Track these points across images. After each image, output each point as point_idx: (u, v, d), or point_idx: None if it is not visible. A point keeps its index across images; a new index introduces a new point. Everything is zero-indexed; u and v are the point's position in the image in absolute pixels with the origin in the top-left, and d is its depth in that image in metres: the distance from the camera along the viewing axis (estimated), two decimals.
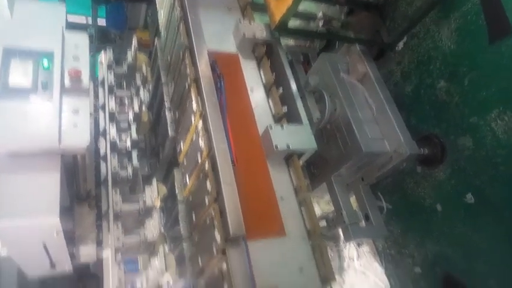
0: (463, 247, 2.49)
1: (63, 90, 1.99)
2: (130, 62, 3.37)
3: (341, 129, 2.57)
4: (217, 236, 1.77)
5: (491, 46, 2.32)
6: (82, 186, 2.32)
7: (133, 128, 2.89)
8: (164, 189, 2.51)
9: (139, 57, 3.31)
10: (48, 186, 1.82)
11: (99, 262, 3.20)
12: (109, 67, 3.20)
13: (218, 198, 1.84)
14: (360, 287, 3.29)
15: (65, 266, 2.31)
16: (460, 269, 2.50)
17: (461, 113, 2.49)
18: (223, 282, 1.74)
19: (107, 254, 2.28)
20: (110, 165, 2.49)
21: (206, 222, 1.95)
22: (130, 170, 2.59)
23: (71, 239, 2.35)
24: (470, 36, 2.44)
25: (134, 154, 2.70)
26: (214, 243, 1.82)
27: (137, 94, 3.15)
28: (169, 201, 2.69)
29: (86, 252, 2.32)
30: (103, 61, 3.24)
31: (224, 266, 1.72)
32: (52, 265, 2.27)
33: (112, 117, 2.80)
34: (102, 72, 3.19)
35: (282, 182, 2.11)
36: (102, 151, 2.65)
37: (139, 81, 3.18)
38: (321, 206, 3.24)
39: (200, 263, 2.04)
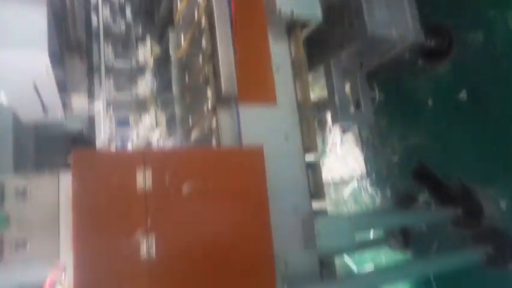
0: (443, 141, 2.59)
1: None
2: None
3: (349, 8, 2.39)
4: (210, 94, 1.78)
5: None
6: (71, 34, 2.22)
7: None
8: (157, 49, 2.43)
9: None
10: (36, 22, 1.72)
11: (91, 126, 3.25)
12: None
13: (213, 56, 1.79)
14: (338, 170, 3.52)
15: (57, 112, 2.36)
16: (434, 160, 2.65)
17: (480, 5, 2.32)
18: (211, 138, 1.81)
19: (99, 106, 2.31)
20: (101, 16, 2.35)
21: (199, 82, 1.95)
22: (122, 25, 2.46)
23: (63, 88, 2.36)
24: None
25: (128, 8, 2.53)
26: (205, 102, 1.84)
27: None
28: (162, 66, 2.64)
29: (78, 103, 2.35)
30: None
31: (214, 123, 1.77)
32: (45, 110, 2.32)
33: None
34: None
35: (280, 52, 2.03)
36: (93, 1, 2.47)
37: None
38: (315, 91, 3.24)
39: (190, 123, 2.10)
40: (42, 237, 1.49)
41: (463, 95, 2.43)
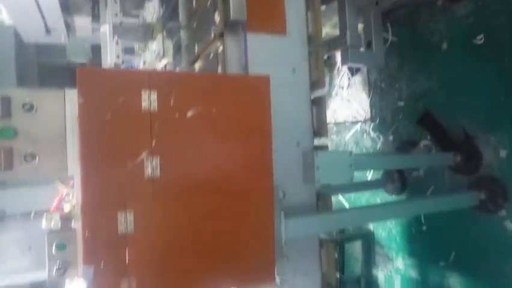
0: (453, 87, 2.54)
1: None
2: None
3: None
4: (217, 19, 1.72)
5: None
6: None
7: None
8: None
9: None
10: None
11: (95, 56, 3.14)
12: None
13: None
14: (342, 112, 3.51)
15: (60, 35, 2.29)
16: (441, 106, 2.62)
17: None
18: (217, 67, 1.78)
19: (105, 29, 2.24)
20: None
21: (206, 7, 1.87)
22: None
23: (66, 9, 2.26)
24: None
25: None
26: (213, 27, 1.78)
27: None
28: None
29: (82, 24, 2.27)
30: None
31: (220, 48, 1.73)
32: (47, 30, 2.24)
33: None
34: None
35: None
36: None
37: None
38: (327, 28, 3.12)
39: (196, 49, 2.06)
40: (50, 152, 1.52)
41: (480, 39, 2.34)
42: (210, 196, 1.56)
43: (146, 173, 1.46)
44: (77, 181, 1.46)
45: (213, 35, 1.79)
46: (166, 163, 1.48)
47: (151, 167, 1.46)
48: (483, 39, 2.37)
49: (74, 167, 1.50)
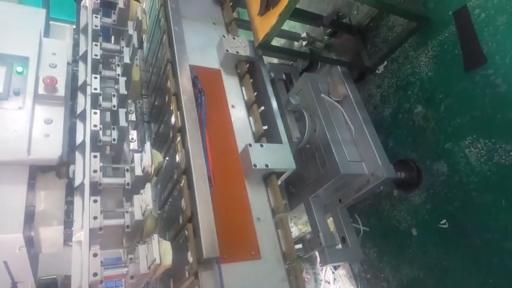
0: (435, 271, 2.42)
1: (36, 97, 1.79)
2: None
3: (319, 149, 2.54)
4: (190, 258, 1.65)
5: (466, 74, 2.29)
6: None
7: (122, 82, 2.24)
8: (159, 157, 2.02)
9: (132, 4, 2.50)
10: (13, 199, 1.63)
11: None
12: (95, 12, 2.32)
13: (192, 218, 1.73)
14: None
15: (28, 285, 1.87)
16: None
17: (437, 138, 2.47)
18: None
19: (79, 237, 1.64)
20: (89, 124, 1.91)
21: (179, 242, 1.82)
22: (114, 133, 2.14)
23: (30, 218, 1.71)
24: (447, 63, 2.42)
25: (122, 114, 2.16)
26: (186, 265, 1.67)
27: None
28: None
29: (49, 237, 1.72)
30: (88, 4, 2.35)
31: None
32: (14, 285, 1.81)
33: (96, 67, 2.17)
34: (85, 17, 2.32)
35: (259, 202, 2.05)
36: (80, 108, 2.00)
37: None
38: (299, 226, 3.11)
39: (172, 286, 1.87)
40: None
41: (444, 223, 2.40)
42: None
43: None
44: None
45: (187, 273, 1.67)
46: None
47: None
48: (446, 224, 2.41)
49: None
